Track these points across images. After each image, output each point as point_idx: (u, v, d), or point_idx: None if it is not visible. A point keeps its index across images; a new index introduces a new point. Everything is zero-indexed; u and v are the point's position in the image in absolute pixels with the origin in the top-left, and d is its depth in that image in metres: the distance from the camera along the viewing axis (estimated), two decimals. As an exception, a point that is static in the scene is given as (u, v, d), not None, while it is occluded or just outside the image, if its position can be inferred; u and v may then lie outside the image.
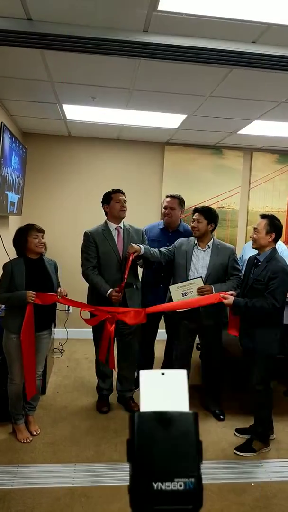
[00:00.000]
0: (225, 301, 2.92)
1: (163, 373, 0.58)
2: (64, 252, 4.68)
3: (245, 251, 4.38)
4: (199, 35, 2.31)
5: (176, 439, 0.54)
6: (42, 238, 2.88)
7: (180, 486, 0.50)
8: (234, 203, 5.40)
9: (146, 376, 0.55)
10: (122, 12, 2.12)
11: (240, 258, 4.31)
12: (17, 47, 2.37)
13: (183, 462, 0.52)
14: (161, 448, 0.53)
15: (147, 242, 3.51)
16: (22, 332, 2.74)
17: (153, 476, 0.50)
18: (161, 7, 2.05)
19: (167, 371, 0.60)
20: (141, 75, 2.91)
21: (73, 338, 4.94)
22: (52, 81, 3.12)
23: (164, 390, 0.57)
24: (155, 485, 0.50)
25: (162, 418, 0.54)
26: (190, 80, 2.98)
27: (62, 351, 4.73)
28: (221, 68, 2.68)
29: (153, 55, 2.43)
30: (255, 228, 2.88)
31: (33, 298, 2.74)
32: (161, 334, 3.87)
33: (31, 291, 2.75)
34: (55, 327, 3.09)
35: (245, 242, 5.26)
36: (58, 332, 4.68)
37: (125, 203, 3.29)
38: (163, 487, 0.50)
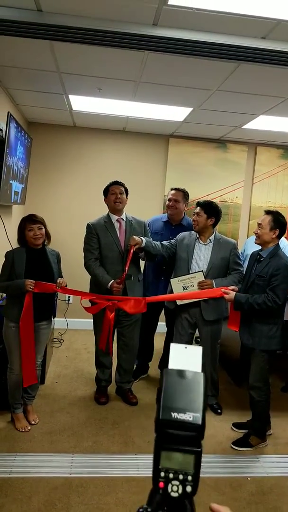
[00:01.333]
0: (226, 296, 2.93)
1: (186, 347, 0.85)
2: (66, 242, 4.69)
3: (247, 245, 4.39)
4: (208, 29, 2.29)
5: (190, 388, 0.79)
6: (40, 229, 2.86)
7: (190, 417, 0.76)
8: (237, 197, 5.39)
9: (174, 347, 0.85)
10: (132, 6, 2.10)
11: (242, 252, 4.31)
12: (26, 37, 2.35)
13: (193, 403, 0.77)
14: (179, 392, 0.78)
15: (150, 235, 3.51)
16: (21, 320, 2.76)
17: (173, 409, 0.76)
18: (172, 1, 2.03)
19: (189, 346, 0.86)
20: (148, 67, 2.88)
21: (72, 328, 4.98)
22: (59, 71, 3.09)
23: (185, 357, 0.84)
24: (173, 415, 0.76)
25: (182, 374, 0.80)
26: (198, 74, 2.96)
27: (62, 341, 4.75)
28: (229, 63, 2.66)
29: (161, 49, 2.41)
30: (259, 224, 2.88)
31: (32, 287, 2.76)
32: (161, 326, 3.89)
33: (30, 280, 2.76)
34: (54, 318, 3.10)
35: (247, 237, 5.27)
36: (58, 322, 4.71)
37: (121, 194, 3.27)
38: (179, 417, 0.76)
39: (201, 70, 2.85)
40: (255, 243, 2.95)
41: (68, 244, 4.65)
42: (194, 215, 3.27)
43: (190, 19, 2.19)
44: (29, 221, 2.85)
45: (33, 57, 2.87)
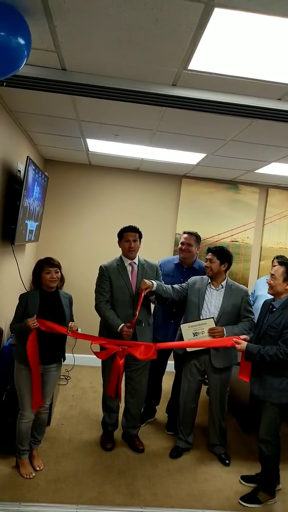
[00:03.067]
0: (238, 346, 2.91)
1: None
2: (78, 280, 4.73)
3: (258, 286, 4.38)
4: (225, 90, 2.37)
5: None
6: (56, 272, 2.90)
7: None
8: (248, 237, 5.42)
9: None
10: (153, 68, 2.18)
11: (252, 293, 4.31)
12: (50, 92, 2.45)
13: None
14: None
15: (161, 277, 3.53)
16: (30, 361, 2.77)
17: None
18: (192, 66, 2.11)
19: None
20: (165, 119, 2.97)
21: (80, 364, 4.95)
22: (79, 119, 3.20)
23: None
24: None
25: None
26: (213, 126, 3.04)
27: (68, 378, 4.72)
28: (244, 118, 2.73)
29: (179, 106, 2.50)
30: (272, 275, 2.88)
31: (35, 324, 2.76)
32: (169, 365, 3.84)
33: (31, 318, 2.77)
34: (64, 361, 3.09)
35: (258, 277, 5.27)
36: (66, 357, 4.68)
37: (134, 242, 3.28)
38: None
39: (217, 123, 2.92)
40: (268, 293, 2.94)
41: (79, 281, 4.69)
42: (206, 261, 3.29)
43: (208, 81, 2.27)
44: (47, 264, 2.89)
45: (55, 107, 2.98)
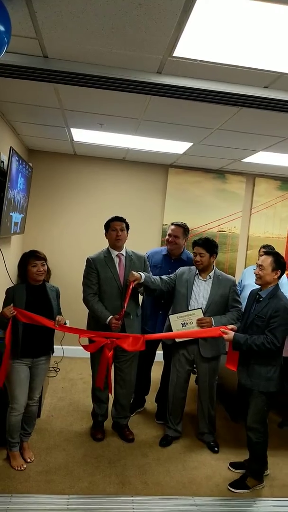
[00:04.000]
0: (225, 336, 2.92)
1: None
2: (65, 272, 4.70)
3: (245, 276, 4.41)
4: (211, 78, 2.34)
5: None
6: (42, 265, 2.87)
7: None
8: (235, 227, 5.44)
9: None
10: (137, 56, 2.14)
11: (239, 282, 4.34)
12: (32, 80, 2.40)
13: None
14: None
15: (149, 268, 3.51)
16: (6, 344, 2.76)
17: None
18: (177, 53, 2.08)
19: None
20: (151, 107, 2.93)
21: (68, 356, 4.94)
22: (62, 108, 3.14)
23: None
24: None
25: None
26: (200, 115, 3.01)
27: (58, 369, 4.71)
28: (231, 107, 2.71)
29: (164, 94, 2.47)
30: (260, 265, 2.88)
31: (12, 312, 2.74)
32: (158, 355, 3.86)
33: (7, 307, 2.76)
34: (53, 354, 3.08)
35: (245, 267, 5.30)
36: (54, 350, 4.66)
37: (122, 231, 3.26)
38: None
39: (203, 111, 2.90)
40: (256, 283, 2.94)
41: (66, 274, 4.66)
42: (196, 255, 3.26)
43: (194, 69, 2.24)
44: (33, 257, 2.85)
45: (38, 96, 2.91)
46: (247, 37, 1.89)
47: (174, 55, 2.10)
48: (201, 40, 1.94)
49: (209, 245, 3.25)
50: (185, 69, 2.25)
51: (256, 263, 2.95)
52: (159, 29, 1.86)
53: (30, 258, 2.86)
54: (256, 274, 2.90)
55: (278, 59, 2.07)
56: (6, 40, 1.76)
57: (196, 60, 2.14)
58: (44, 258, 2.90)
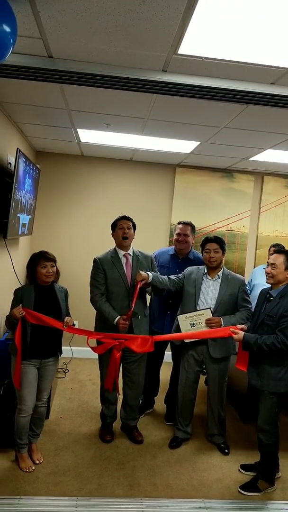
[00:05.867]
0: (235, 336, 2.89)
1: None
2: (73, 273, 4.70)
3: (255, 275, 4.37)
4: (217, 75, 2.31)
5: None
6: (52, 267, 2.87)
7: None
8: (243, 226, 5.39)
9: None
10: (142, 54, 2.13)
11: (248, 282, 4.30)
12: (37, 81, 2.39)
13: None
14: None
15: (156, 268, 3.49)
16: (17, 344, 2.76)
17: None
18: (182, 51, 2.05)
19: None
20: (157, 106, 2.91)
21: (77, 357, 4.94)
22: (68, 109, 3.13)
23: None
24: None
25: None
26: (206, 113, 2.98)
27: (66, 371, 4.71)
28: (238, 104, 2.68)
29: (170, 93, 2.44)
30: (272, 264, 2.83)
31: (21, 312, 2.74)
32: (167, 356, 3.83)
33: (16, 308, 2.75)
34: (61, 355, 3.07)
35: (254, 266, 5.25)
36: (63, 351, 4.66)
37: (129, 229, 3.25)
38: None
39: (210, 109, 2.87)
40: (268, 282, 2.88)
41: (74, 274, 4.66)
42: (210, 252, 3.22)
43: (199, 66, 2.21)
44: (43, 259, 2.85)
45: (43, 97, 2.91)
46: (251, 32, 1.86)
47: (179, 52, 2.08)
48: (206, 36, 1.91)
49: (222, 242, 3.24)
50: (190, 66, 2.23)
51: (267, 262, 2.90)
52: (163, 26, 1.84)
53: (40, 259, 2.85)
54: (268, 273, 2.84)
55: (284, 55, 2.04)
56: (12, 41, 1.75)
57: (201, 57, 2.11)
58: (53, 259, 2.90)
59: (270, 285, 2.91)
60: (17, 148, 3.24)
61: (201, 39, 1.94)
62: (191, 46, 2.01)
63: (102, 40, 2.01)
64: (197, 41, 1.96)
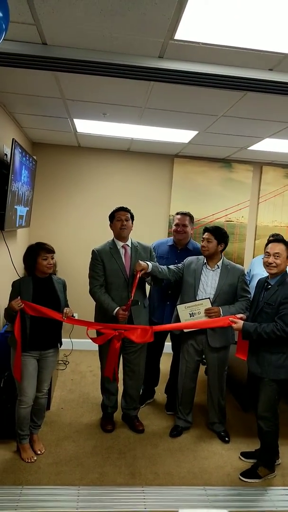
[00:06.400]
0: (234, 325, 2.89)
1: None
2: (71, 265, 4.69)
3: (254, 265, 4.35)
4: (215, 61, 2.29)
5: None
6: (52, 258, 2.86)
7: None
8: (242, 216, 5.37)
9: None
10: (137, 40, 2.10)
11: (248, 272, 4.28)
12: (31, 69, 2.36)
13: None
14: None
15: (155, 259, 3.48)
16: (16, 336, 2.75)
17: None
18: (178, 36, 2.03)
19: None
20: (154, 94, 2.88)
21: (78, 349, 4.94)
22: (64, 98, 3.10)
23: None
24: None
25: None
26: (204, 101, 2.95)
27: (67, 362, 4.72)
28: (236, 92, 2.65)
29: (167, 80, 2.41)
30: (276, 253, 2.78)
31: (20, 305, 2.74)
32: (167, 347, 3.84)
33: (15, 300, 2.75)
34: (61, 346, 3.07)
35: (253, 256, 5.24)
36: (63, 343, 4.66)
37: (126, 221, 3.24)
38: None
39: (208, 97, 2.84)
40: (271, 273, 2.84)
41: (72, 266, 4.65)
42: (203, 241, 3.23)
43: (196, 52, 2.19)
44: (45, 250, 2.84)
45: (38, 85, 2.88)
46: (249, 16, 1.83)
47: (175, 37, 2.05)
48: (203, 21, 1.89)
49: (218, 232, 3.21)
50: (187, 52, 2.20)
51: (267, 252, 2.87)
52: (159, 10, 1.81)
53: (41, 251, 2.84)
54: (271, 263, 2.79)
55: (283, 40, 2.01)
56: (4, 27, 1.72)
57: (198, 43, 2.08)
58: (54, 251, 2.89)
59: (267, 276, 2.91)
60: (13, 139, 3.21)
61: (198, 24, 1.92)
62: (188, 31, 1.98)
63: (97, 25, 1.97)
64: (194, 26, 1.94)
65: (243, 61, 2.26)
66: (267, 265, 2.84)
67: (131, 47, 2.19)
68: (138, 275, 3.12)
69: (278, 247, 2.79)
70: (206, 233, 3.24)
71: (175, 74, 2.34)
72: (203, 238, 3.25)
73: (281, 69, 2.31)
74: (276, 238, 2.97)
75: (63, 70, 2.36)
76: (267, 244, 2.89)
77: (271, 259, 2.80)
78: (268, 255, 2.82)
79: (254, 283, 3.53)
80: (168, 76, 2.37)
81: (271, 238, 4.00)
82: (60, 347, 3.07)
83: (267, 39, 2.02)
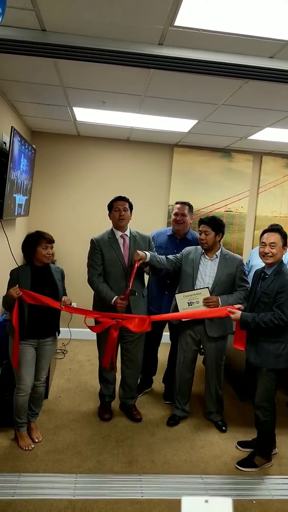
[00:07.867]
0: (232, 316, 2.89)
1: (206, 501, 0.50)
2: (70, 254, 4.68)
3: (253, 256, 4.34)
4: (215, 49, 2.26)
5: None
6: (51, 248, 2.86)
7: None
8: (242, 207, 5.35)
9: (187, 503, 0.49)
10: (137, 26, 2.07)
11: (246, 263, 4.27)
12: (30, 56, 2.33)
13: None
14: None
15: (154, 249, 3.48)
16: (14, 325, 2.74)
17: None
18: (178, 22, 2.00)
19: (211, 499, 0.50)
20: (154, 83, 2.86)
21: (76, 338, 4.96)
22: (63, 86, 3.07)
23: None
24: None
25: None
26: (204, 89, 2.93)
27: (65, 352, 4.73)
28: (236, 80, 2.62)
29: (167, 67, 2.39)
30: (272, 243, 2.78)
31: (18, 293, 2.73)
32: (165, 337, 3.86)
33: (13, 287, 2.74)
34: (59, 335, 3.08)
35: (252, 247, 5.22)
36: (61, 332, 4.66)
37: (125, 211, 3.22)
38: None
39: (208, 85, 2.82)
40: (268, 262, 2.83)
41: (71, 255, 4.64)
42: (201, 233, 3.21)
43: (196, 39, 2.16)
44: (45, 240, 2.83)
45: (37, 73, 2.85)
46: (249, 3, 1.81)
47: (175, 24, 2.02)
48: (203, 7, 1.86)
49: (214, 223, 3.19)
50: (187, 39, 2.17)
51: (262, 242, 2.86)
52: (159, -5, 1.78)
53: (41, 240, 2.83)
54: (267, 253, 2.79)
55: (283, 27, 1.99)
56: (1, 11, 1.69)
57: (198, 29, 2.06)
58: (53, 241, 2.89)
59: (264, 265, 2.90)
60: (12, 127, 3.18)
61: (198, 10, 1.89)
62: (188, 17, 1.96)
63: (96, 11, 1.95)
64: (194, 12, 1.91)
65: (243, 48, 2.23)
66: (263, 255, 2.83)
67: (131, 34, 2.16)
68: (136, 265, 3.12)
69: (274, 237, 2.79)
70: (202, 226, 3.21)
71: (175, 62, 2.31)
72: (200, 231, 3.23)
73: (282, 56, 2.28)
74: (271, 228, 2.95)
75: (62, 57, 2.33)
76: (262, 234, 2.88)
77: (267, 249, 2.79)
78: (264, 245, 2.81)
79: (252, 274, 3.53)
80: (168, 64, 2.34)
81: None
82: (58, 335, 3.08)
83: (267, 26, 1.99)
